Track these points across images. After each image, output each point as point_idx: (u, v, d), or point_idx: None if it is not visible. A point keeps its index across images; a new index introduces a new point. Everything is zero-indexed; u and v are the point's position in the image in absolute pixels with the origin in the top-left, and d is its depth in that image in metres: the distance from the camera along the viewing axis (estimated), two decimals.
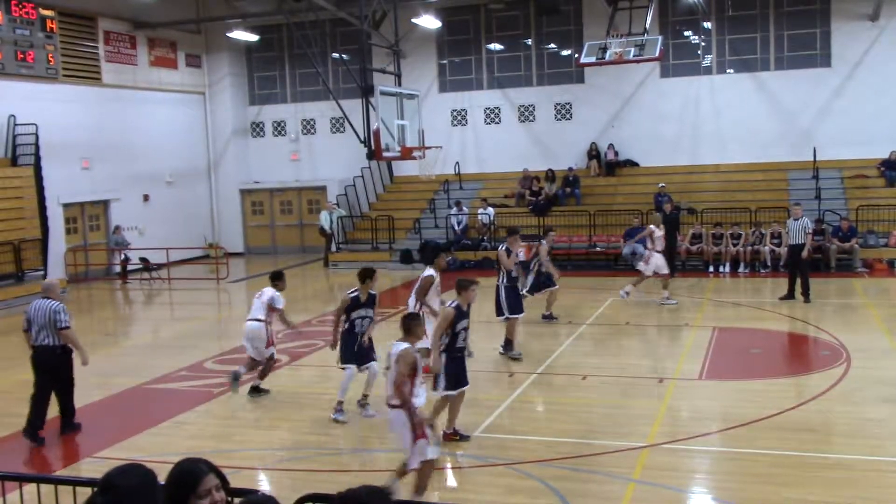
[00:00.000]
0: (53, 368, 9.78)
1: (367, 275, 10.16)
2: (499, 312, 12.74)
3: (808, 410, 9.62)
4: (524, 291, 14.85)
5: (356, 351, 10.06)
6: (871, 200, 21.95)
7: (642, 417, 9.67)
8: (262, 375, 11.35)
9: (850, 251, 20.52)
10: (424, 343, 10.45)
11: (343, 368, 10.14)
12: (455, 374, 8.77)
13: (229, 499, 3.50)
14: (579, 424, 9.56)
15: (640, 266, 17.04)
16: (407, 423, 6.86)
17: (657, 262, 16.59)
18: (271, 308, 11.22)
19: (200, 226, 28.44)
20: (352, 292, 10.10)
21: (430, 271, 11.39)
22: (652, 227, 16.89)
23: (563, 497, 7.41)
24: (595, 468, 8.09)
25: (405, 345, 7.11)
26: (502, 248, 13.00)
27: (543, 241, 15.50)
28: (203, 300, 21.17)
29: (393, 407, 6.99)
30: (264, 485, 7.94)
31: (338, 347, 10.18)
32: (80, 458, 9.19)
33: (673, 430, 9.19)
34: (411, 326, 7.33)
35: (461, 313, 8.72)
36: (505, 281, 12.66)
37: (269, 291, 11.26)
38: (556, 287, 15.40)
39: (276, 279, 11.47)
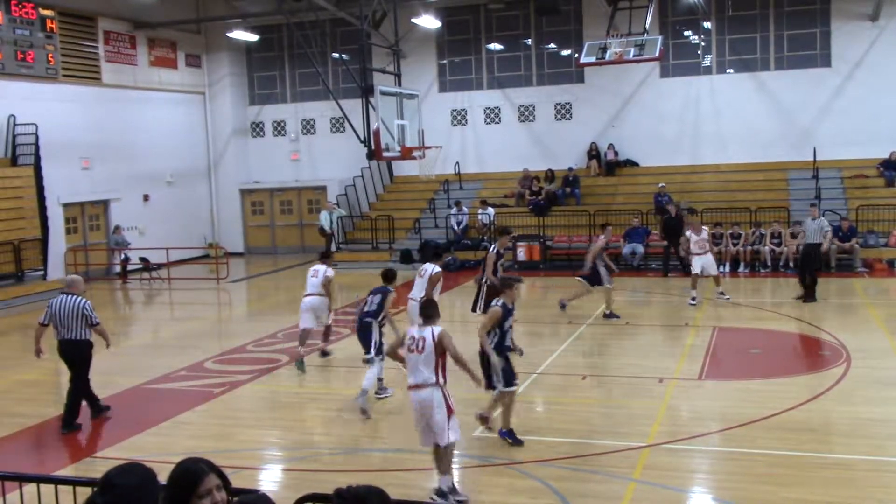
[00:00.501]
0: (79, 360, 10.08)
1: (394, 275, 11.17)
2: (474, 308, 13.06)
3: (808, 410, 9.62)
4: (608, 286, 15.37)
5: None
6: (871, 200, 21.95)
7: (642, 417, 9.67)
8: (326, 338, 13.01)
9: (851, 251, 20.52)
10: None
11: (374, 361, 10.41)
12: (510, 371, 8.80)
13: (230, 499, 3.50)
14: (579, 424, 9.56)
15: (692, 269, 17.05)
16: (443, 402, 7.19)
17: (702, 263, 16.68)
18: (328, 280, 12.74)
19: (200, 226, 28.44)
20: (390, 290, 10.79)
21: (437, 267, 11.80)
22: (688, 233, 17.06)
23: (563, 497, 7.41)
24: (595, 468, 8.09)
25: (439, 328, 7.45)
26: (493, 249, 13.15)
27: (601, 238, 15.82)
28: (203, 300, 21.17)
29: (424, 387, 7.25)
30: (264, 485, 7.95)
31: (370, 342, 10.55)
32: (80, 458, 9.18)
33: (673, 430, 9.18)
34: (433, 312, 7.61)
35: (508, 311, 8.80)
36: (487, 281, 12.84)
37: (322, 268, 12.84)
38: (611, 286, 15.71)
39: (328, 257, 13.67)
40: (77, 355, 10.08)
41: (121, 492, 3.07)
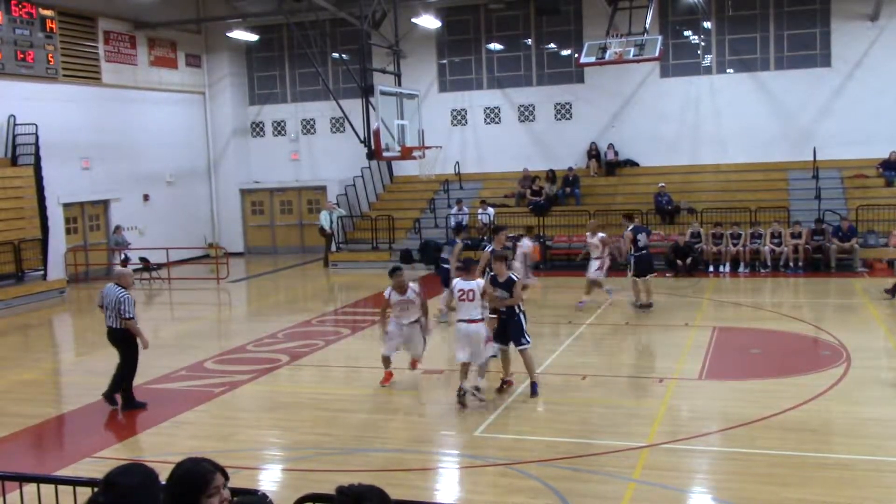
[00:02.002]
0: (121, 347, 10.74)
1: (463, 228, 15.55)
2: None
3: (808, 410, 9.62)
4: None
5: None
6: (871, 200, 21.95)
7: (642, 417, 9.66)
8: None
9: (850, 251, 20.51)
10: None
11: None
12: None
13: (233, 498, 3.50)
14: (579, 424, 9.56)
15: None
16: (485, 332, 10.23)
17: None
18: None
19: (200, 226, 28.43)
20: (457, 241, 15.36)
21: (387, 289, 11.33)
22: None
23: (563, 497, 7.41)
24: (595, 468, 8.09)
25: (480, 281, 10.39)
26: (488, 248, 13.19)
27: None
28: (203, 300, 21.17)
29: (475, 322, 10.14)
30: (264, 485, 7.94)
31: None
32: (79, 458, 9.17)
33: (673, 430, 9.18)
34: (473, 268, 11.06)
35: (494, 282, 10.63)
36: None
37: (527, 242, 15.81)
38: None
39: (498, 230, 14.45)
40: (118, 342, 10.74)
41: (122, 491, 3.07)
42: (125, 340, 10.69)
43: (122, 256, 23.83)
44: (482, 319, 10.18)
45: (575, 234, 23.43)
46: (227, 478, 3.39)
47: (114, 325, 10.62)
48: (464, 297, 10.12)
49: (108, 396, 10.72)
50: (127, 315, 10.48)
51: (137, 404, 10.73)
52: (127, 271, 11.33)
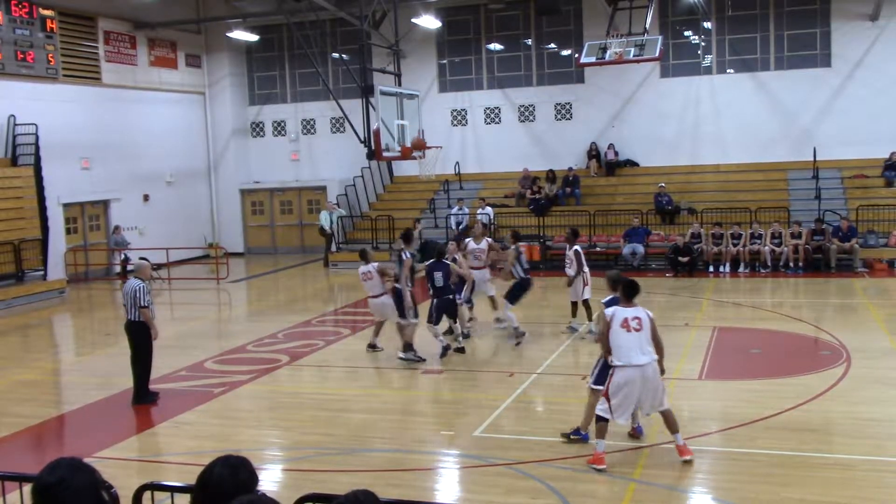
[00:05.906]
0: (134, 342, 10.99)
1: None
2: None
3: (808, 410, 9.62)
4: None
5: None
6: (871, 200, 21.95)
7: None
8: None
9: (851, 251, 20.50)
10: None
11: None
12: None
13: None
14: None
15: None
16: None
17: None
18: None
19: (200, 226, 28.43)
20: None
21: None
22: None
23: (563, 497, 7.41)
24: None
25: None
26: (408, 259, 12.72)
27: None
28: (203, 300, 21.17)
29: (381, 296, 12.48)
30: (264, 485, 7.93)
31: None
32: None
33: None
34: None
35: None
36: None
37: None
38: None
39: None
40: (133, 334, 10.93)
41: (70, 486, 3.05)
42: (140, 333, 10.89)
43: (122, 256, 23.86)
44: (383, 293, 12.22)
45: None
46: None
47: (132, 318, 10.83)
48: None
49: (138, 400, 10.88)
50: (142, 303, 10.71)
51: (149, 399, 10.92)
52: (145, 263, 11.52)
